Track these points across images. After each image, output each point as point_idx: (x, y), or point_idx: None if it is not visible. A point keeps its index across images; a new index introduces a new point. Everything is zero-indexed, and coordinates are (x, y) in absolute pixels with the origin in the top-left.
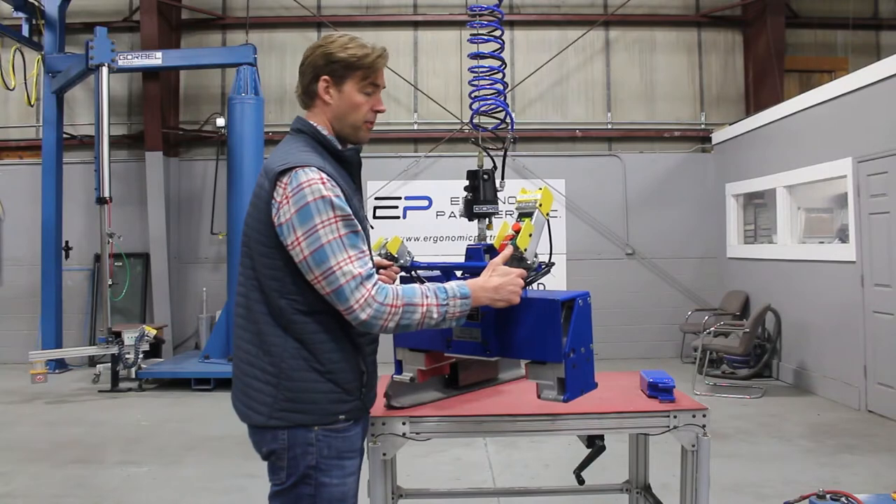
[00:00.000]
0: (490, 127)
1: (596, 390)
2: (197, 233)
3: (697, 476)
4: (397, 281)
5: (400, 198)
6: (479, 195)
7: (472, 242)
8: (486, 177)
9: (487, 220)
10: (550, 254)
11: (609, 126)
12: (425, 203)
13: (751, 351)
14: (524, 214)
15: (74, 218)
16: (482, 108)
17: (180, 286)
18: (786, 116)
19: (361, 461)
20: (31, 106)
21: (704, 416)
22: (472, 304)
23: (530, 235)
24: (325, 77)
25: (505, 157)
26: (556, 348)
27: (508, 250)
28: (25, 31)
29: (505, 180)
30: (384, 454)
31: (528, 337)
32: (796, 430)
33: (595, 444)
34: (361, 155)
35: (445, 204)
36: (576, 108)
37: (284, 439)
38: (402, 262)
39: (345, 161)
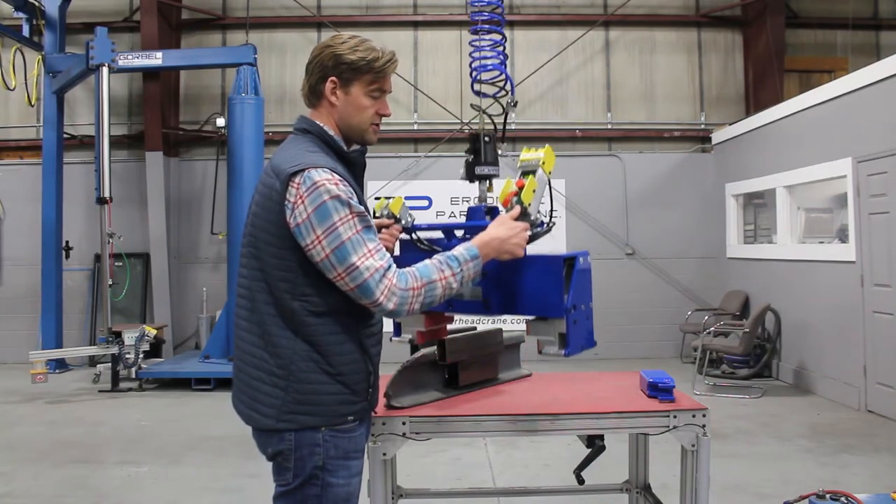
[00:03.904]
0: (492, 93)
1: (596, 390)
2: (197, 233)
3: (697, 476)
4: (398, 246)
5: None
6: (481, 157)
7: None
8: (487, 139)
9: (488, 182)
10: (551, 213)
11: (609, 126)
12: (425, 203)
13: (751, 351)
14: (527, 172)
15: (75, 218)
16: (482, 76)
17: (180, 286)
18: (786, 116)
19: (364, 461)
20: (32, 106)
21: (704, 415)
22: (482, 262)
23: (534, 192)
24: (333, 78)
25: (505, 120)
26: (557, 304)
27: (517, 209)
28: (26, 32)
29: (505, 143)
30: (384, 454)
31: (529, 293)
32: (796, 429)
33: (595, 444)
34: None
35: (445, 204)
36: (576, 108)
37: (291, 440)
38: (403, 222)
39: (350, 162)
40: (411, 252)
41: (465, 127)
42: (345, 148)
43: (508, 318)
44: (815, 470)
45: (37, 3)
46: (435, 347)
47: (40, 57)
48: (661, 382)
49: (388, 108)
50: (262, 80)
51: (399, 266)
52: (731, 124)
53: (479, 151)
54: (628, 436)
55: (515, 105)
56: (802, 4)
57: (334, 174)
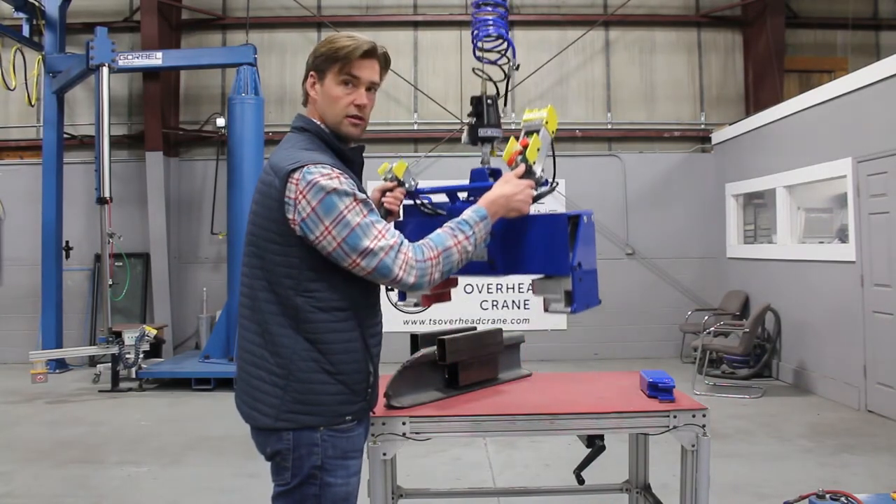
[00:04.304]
0: (494, 59)
1: (596, 390)
2: (197, 233)
3: (697, 476)
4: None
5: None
6: (484, 119)
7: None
8: (489, 102)
9: (491, 144)
10: (554, 173)
11: (609, 126)
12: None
13: (751, 351)
14: (531, 131)
15: (75, 218)
16: (485, 41)
17: (180, 286)
18: (786, 116)
19: (362, 460)
20: (32, 106)
21: (704, 415)
22: (492, 222)
23: (538, 150)
24: (312, 72)
25: (507, 84)
26: (563, 261)
27: (522, 167)
28: (26, 32)
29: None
30: (384, 454)
31: (535, 252)
32: (796, 429)
33: (595, 444)
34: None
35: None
36: (576, 108)
37: (289, 440)
38: (406, 186)
39: (347, 159)
40: (415, 216)
41: (466, 127)
42: (341, 145)
43: (517, 278)
44: (815, 470)
45: (37, 3)
46: (435, 347)
47: (40, 57)
48: (661, 382)
49: (363, 97)
50: (262, 80)
51: (403, 231)
52: (731, 124)
53: (482, 114)
54: (628, 436)
55: (517, 68)
56: (802, 4)
57: (333, 169)
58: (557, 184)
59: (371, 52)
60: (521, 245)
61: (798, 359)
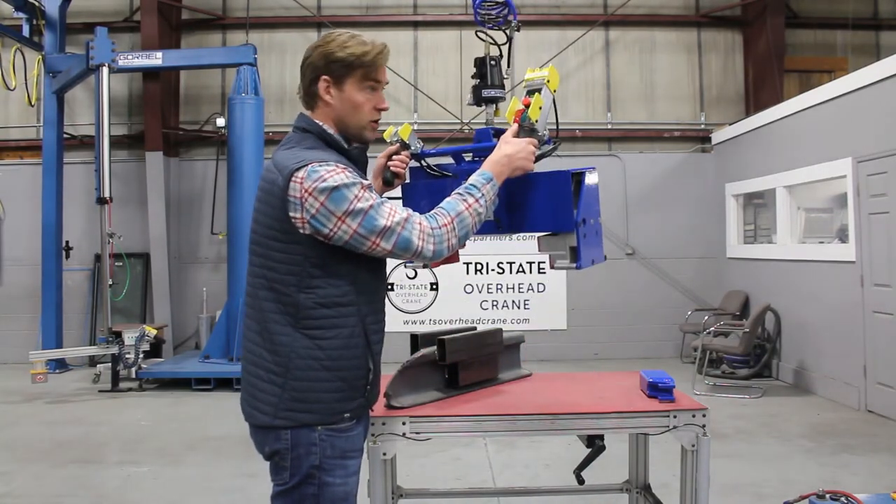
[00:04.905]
0: (495, 16)
1: (596, 390)
2: (197, 233)
3: (697, 476)
4: (408, 173)
5: (400, 198)
6: (487, 80)
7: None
8: (493, 63)
9: (494, 105)
10: (557, 132)
11: (609, 126)
12: None
13: (751, 351)
14: (533, 90)
15: (75, 218)
16: (485, 6)
17: (180, 286)
18: (786, 116)
19: (361, 460)
20: (32, 106)
21: (704, 415)
22: (498, 183)
23: (540, 108)
24: (325, 77)
25: (510, 45)
26: (567, 218)
27: (515, 127)
28: (26, 32)
29: (511, 67)
30: (384, 454)
31: (540, 210)
32: (796, 429)
33: (595, 444)
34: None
35: None
36: (576, 108)
37: (287, 439)
38: (412, 148)
39: (351, 160)
40: (421, 178)
41: (466, 127)
42: (345, 146)
43: (521, 235)
44: (815, 470)
45: (37, 3)
46: (435, 347)
47: (40, 57)
48: (661, 382)
49: (384, 101)
50: (262, 80)
51: (412, 192)
52: (731, 124)
53: (486, 75)
54: (628, 436)
55: (519, 29)
56: (802, 4)
57: (337, 164)
58: (560, 142)
59: (388, 55)
60: (526, 203)
61: (798, 359)
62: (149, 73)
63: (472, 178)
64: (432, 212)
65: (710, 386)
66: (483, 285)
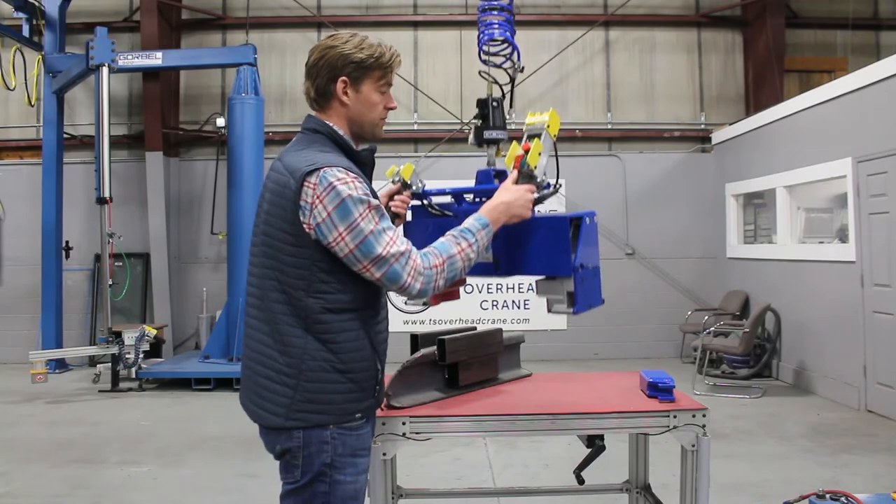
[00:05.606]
0: (499, 63)
1: (596, 390)
2: (197, 233)
3: (697, 476)
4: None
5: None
6: (489, 122)
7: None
8: (495, 104)
9: (496, 146)
10: (557, 176)
11: (609, 126)
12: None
13: (750, 351)
14: (533, 135)
15: (74, 218)
16: (490, 45)
17: (180, 286)
18: (786, 116)
19: (370, 458)
20: (32, 106)
21: (704, 415)
22: (493, 230)
23: (539, 154)
24: (343, 78)
25: (513, 86)
26: (565, 262)
27: (515, 173)
28: (26, 32)
29: (513, 108)
30: (384, 454)
31: (538, 253)
32: (796, 429)
33: (595, 444)
34: None
35: None
36: (576, 108)
37: (300, 438)
38: (414, 188)
39: (360, 161)
40: (422, 217)
41: (465, 127)
42: (355, 147)
43: (517, 278)
44: (815, 470)
45: (37, 3)
46: (435, 347)
47: (40, 57)
48: (661, 382)
49: (393, 101)
50: (262, 80)
51: (412, 231)
52: (731, 124)
53: (488, 116)
54: (628, 436)
55: (522, 70)
56: (802, 4)
57: (349, 173)
58: (560, 186)
59: (400, 57)
60: (524, 246)
61: (798, 359)
62: (149, 73)
63: (469, 222)
64: (425, 250)
65: (710, 386)
66: (483, 285)
